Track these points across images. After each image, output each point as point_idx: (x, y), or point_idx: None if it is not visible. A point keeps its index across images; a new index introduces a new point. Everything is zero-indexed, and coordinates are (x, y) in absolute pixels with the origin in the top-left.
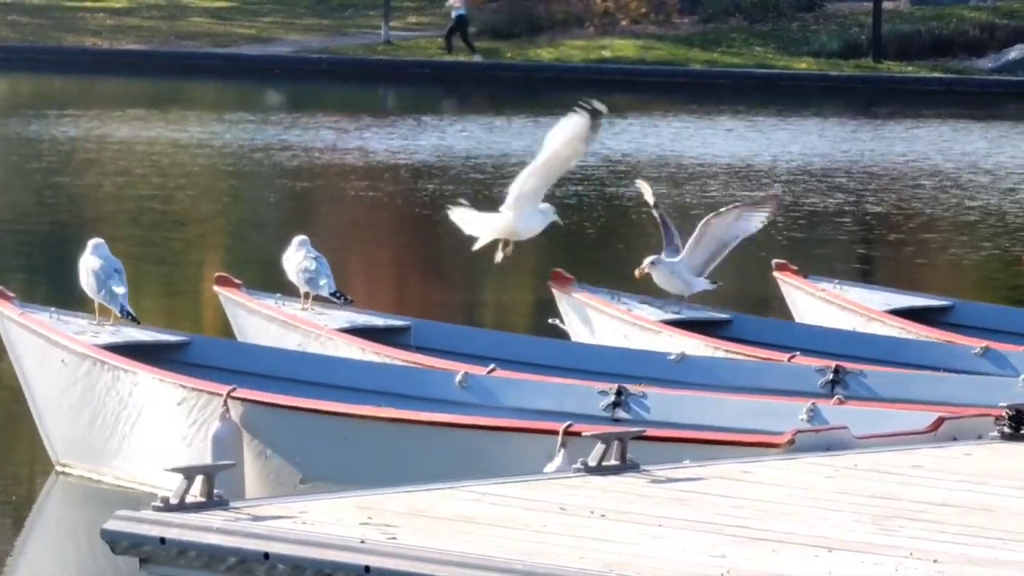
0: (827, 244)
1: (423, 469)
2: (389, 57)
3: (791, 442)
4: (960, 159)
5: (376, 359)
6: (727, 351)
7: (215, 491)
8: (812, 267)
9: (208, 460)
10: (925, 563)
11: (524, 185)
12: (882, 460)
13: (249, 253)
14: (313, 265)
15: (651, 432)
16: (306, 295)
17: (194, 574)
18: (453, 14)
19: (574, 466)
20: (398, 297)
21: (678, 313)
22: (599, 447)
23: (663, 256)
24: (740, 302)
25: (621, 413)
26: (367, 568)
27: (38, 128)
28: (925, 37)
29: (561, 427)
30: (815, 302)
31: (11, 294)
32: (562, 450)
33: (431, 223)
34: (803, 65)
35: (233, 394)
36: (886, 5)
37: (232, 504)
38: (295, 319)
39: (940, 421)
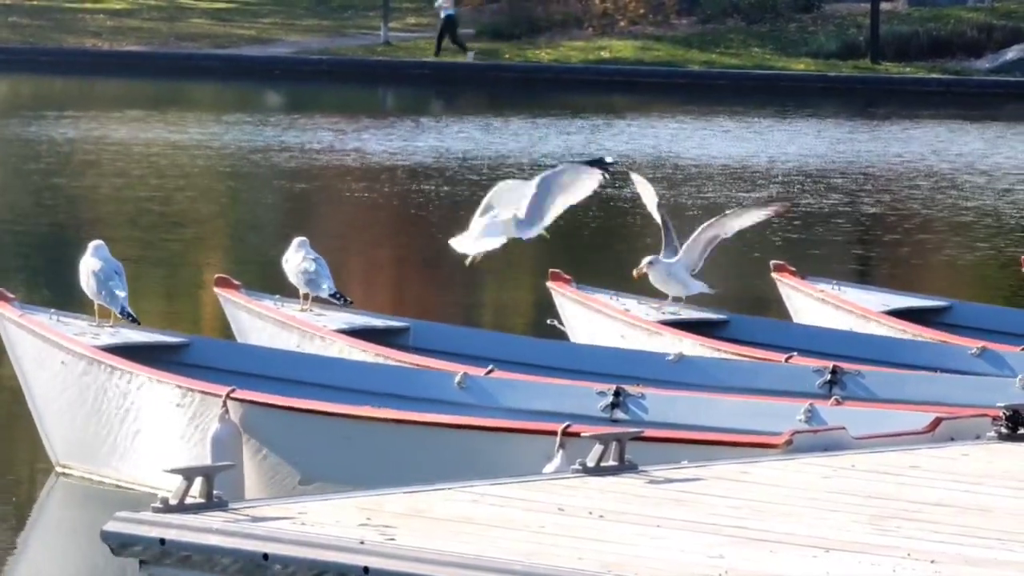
0: (824, 245)
1: (422, 470)
2: (388, 58)
3: (789, 443)
4: (957, 160)
5: (375, 360)
6: (725, 352)
7: (214, 492)
8: (809, 268)
9: (207, 461)
10: (922, 563)
11: (543, 200)
12: (880, 460)
13: (248, 254)
14: (313, 266)
15: (649, 433)
16: (305, 296)
17: (194, 575)
18: (442, 14)
19: (572, 467)
20: (397, 298)
21: (676, 314)
22: (597, 448)
23: (661, 256)
24: (738, 303)
25: (619, 414)
26: (366, 569)
27: (37, 129)
28: (923, 38)
29: (559, 428)
30: (813, 303)
31: (11, 295)
32: (560, 451)
33: (429, 224)
34: (801, 66)
35: (232, 395)
36: (884, 6)
37: (231, 505)
38: (294, 320)
39: (937, 421)
